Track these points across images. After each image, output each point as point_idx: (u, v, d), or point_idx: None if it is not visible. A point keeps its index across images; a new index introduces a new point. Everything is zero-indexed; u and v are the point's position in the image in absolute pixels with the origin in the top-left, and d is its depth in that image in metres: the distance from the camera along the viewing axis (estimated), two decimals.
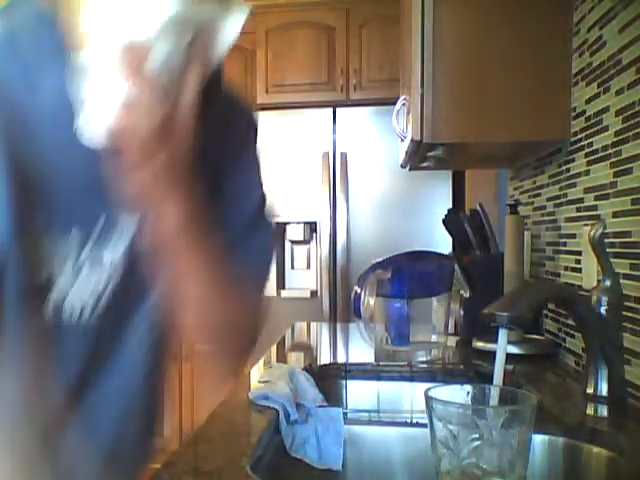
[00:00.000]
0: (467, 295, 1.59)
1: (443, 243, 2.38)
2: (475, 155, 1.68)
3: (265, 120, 2.99)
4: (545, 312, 1.51)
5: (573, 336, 1.29)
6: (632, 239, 1.02)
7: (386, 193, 2.96)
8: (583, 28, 1.25)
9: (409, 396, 1.35)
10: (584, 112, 1.24)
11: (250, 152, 0.78)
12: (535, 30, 1.30)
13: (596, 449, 0.84)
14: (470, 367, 1.37)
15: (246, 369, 0.89)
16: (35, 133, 0.60)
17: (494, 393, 0.62)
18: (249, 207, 0.76)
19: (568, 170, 1.34)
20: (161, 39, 0.50)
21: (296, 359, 1.49)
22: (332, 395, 1.29)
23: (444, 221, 1.74)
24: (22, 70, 0.60)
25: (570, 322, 1.31)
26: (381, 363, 1.40)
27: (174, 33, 0.50)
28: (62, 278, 0.64)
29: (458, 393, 0.62)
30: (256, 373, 1.23)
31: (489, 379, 0.65)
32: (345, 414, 1.05)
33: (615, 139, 1.08)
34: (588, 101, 1.22)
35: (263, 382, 1.11)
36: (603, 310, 0.96)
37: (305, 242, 3.11)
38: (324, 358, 1.55)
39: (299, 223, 3.01)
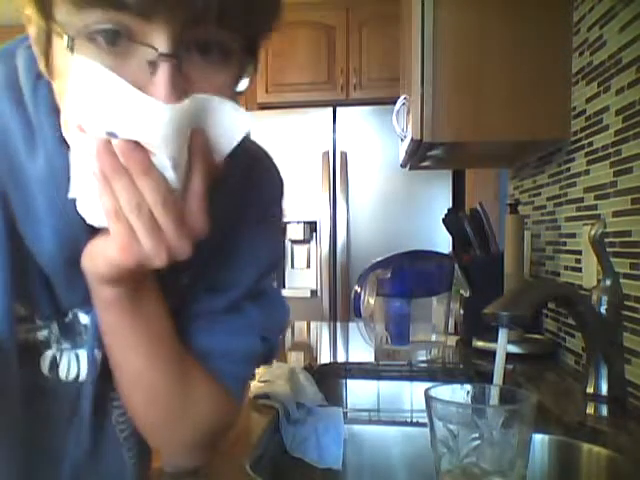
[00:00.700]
0: (467, 294, 1.59)
1: (443, 242, 2.38)
2: (475, 155, 1.68)
3: (265, 119, 2.99)
4: (545, 311, 1.51)
5: (573, 335, 1.29)
6: (632, 238, 1.01)
7: (386, 192, 2.96)
8: (583, 27, 1.25)
9: (409, 395, 1.35)
10: (584, 111, 1.24)
11: (268, 217, 0.70)
12: (535, 30, 1.30)
13: (596, 448, 0.84)
14: (470, 366, 1.37)
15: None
16: (30, 196, 0.53)
17: (494, 392, 0.62)
18: (249, 277, 0.66)
19: (568, 169, 1.34)
20: (161, 140, 0.45)
21: (296, 358, 1.50)
22: (332, 394, 1.29)
23: (444, 220, 1.74)
24: (23, 120, 0.53)
25: (570, 321, 1.31)
26: (381, 362, 1.40)
27: (174, 135, 0.45)
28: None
29: (458, 392, 0.62)
30: (256, 372, 1.23)
31: (489, 378, 0.65)
32: (345, 413, 1.05)
33: (615, 138, 1.08)
34: (588, 100, 1.22)
35: (263, 381, 1.11)
36: (603, 309, 0.96)
37: (305, 241, 3.10)
38: (324, 357, 1.56)
39: (299, 222, 3.01)
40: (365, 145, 2.98)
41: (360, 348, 1.52)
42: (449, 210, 1.86)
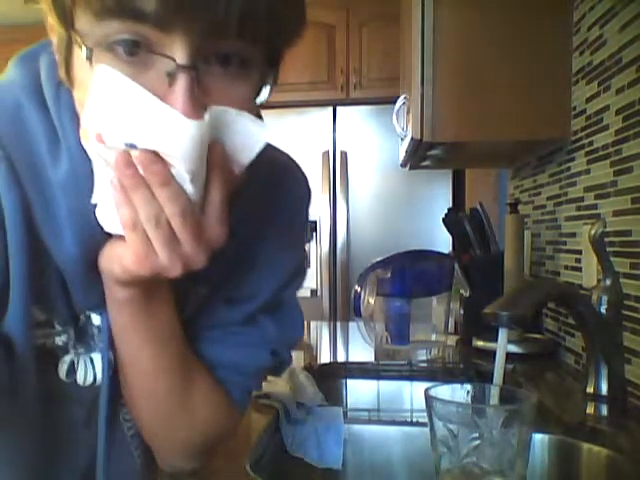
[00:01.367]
0: (467, 294, 1.60)
1: (443, 242, 2.38)
2: (475, 154, 1.68)
3: (265, 119, 2.98)
4: (545, 311, 1.51)
5: (573, 335, 1.29)
6: (632, 238, 1.01)
7: (386, 192, 2.96)
8: (583, 27, 1.25)
9: (409, 395, 1.35)
10: (584, 111, 1.24)
11: (292, 228, 0.68)
12: (535, 29, 1.30)
13: (596, 448, 0.84)
14: (470, 366, 1.37)
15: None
16: (53, 200, 0.53)
17: (494, 392, 0.62)
18: (268, 288, 0.65)
19: (568, 169, 1.34)
20: (179, 153, 0.44)
21: (296, 358, 1.49)
22: (332, 394, 1.29)
23: (444, 220, 1.74)
24: (47, 125, 0.53)
25: (570, 321, 1.31)
26: (381, 362, 1.40)
27: (194, 149, 0.44)
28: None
29: (458, 392, 0.62)
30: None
31: (489, 378, 0.65)
32: (345, 413, 1.05)
33: (615, 138, 1.08)
34: (588, 100, 1.22)
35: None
36: (603, 309, 0.96)
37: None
38: (324, 357, 1.56)
39: None
40: (365, 145, 2.98)
41: (360, 348, 1.52)
42: (449, 210, 1.86)
